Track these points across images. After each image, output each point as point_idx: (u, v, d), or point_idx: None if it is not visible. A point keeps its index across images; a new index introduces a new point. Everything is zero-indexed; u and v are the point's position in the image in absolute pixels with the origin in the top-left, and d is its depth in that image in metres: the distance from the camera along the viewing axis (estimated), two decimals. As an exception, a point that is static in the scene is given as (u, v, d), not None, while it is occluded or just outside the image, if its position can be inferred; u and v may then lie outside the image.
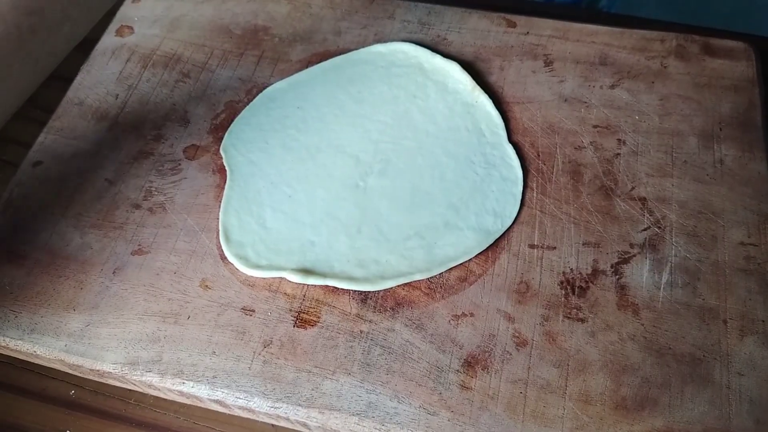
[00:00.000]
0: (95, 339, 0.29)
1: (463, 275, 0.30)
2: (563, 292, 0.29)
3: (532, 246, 0.31)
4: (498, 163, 0.33)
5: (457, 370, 0.27)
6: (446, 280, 0.30)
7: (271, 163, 0.34)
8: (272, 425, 0.30)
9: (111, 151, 0.35)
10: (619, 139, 0.34)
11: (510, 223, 0.31)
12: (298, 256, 0.30)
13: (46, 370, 0.31)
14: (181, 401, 0.30)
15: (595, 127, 0.35)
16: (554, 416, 0.26)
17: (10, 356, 0.30)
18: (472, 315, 0.29)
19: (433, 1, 0.40)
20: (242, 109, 0.36)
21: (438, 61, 0.37)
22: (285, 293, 0.30)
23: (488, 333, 0.28)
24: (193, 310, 0.29)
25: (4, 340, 0.29)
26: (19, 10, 0.25)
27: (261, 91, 0.36)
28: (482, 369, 0.27)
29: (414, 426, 0.26)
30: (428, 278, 0.30)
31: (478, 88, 0.36)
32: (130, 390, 0.31)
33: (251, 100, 0.36)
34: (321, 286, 0.30)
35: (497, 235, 0.31)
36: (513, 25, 0.39)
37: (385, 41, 0.38)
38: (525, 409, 0.26)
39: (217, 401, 0.28)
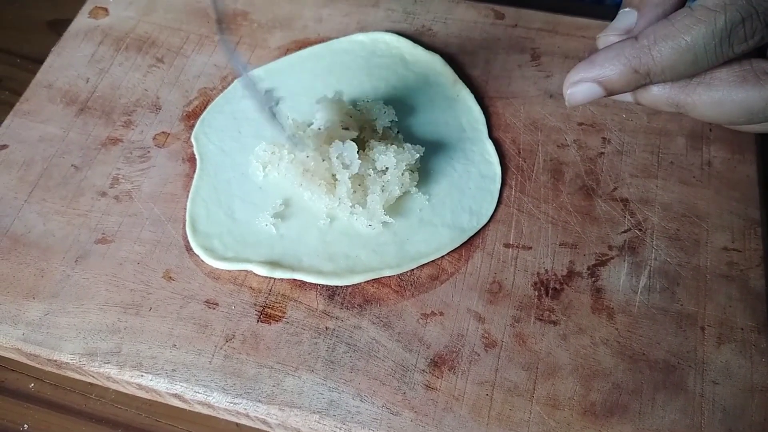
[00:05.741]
0: (54, 328, 0.30)
1: (434, 273, 0.31)
2: (536, 294, 0.31)
3: (507, 245, 0.32)
4: (477, 159, 0.35)
5: (423, 370, 0.29)
6: (417, 278, 0.31)
7: (243, 153, 0.35)
8: (236, 424, 0.31)
9: (79, 136, 0.36)
10: (603, 138, 0.36)
11: (486, 221, 0.33)
12: (266, 249, 0.32)
13: (5, 362, 0.33)
14: (141, 395, 0.31)
15: (580, 124, 0.36)
16: (520, 420, 0.28)
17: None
18: (441, 314, 0.30)
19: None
20: (216, 96, 0.37)
21: (420, 52, 0.38)
22: (250, 287, 0.31)
23: (457, 333, 0.30)
24: (156, 301, 0.31)
25: (-39, 327, 0.30)
26: None
27: (236, 79, 0.38)
28: (449, 369, 0.29)
29: (376, 426, 0.27)
30: (398, 275, 0.31)
31: (459, 81, 0.37)
32: (91, 384, 0.32)
33: (226, 88, 0.38)
34: (288, 281, 0.31)
35: (472, 233, 0.32)
36: (501, 16, 0.40)
37: (368, 30, 0.40)
38: (490, 412, 0.28)
39: (176, 395, 0.29)
